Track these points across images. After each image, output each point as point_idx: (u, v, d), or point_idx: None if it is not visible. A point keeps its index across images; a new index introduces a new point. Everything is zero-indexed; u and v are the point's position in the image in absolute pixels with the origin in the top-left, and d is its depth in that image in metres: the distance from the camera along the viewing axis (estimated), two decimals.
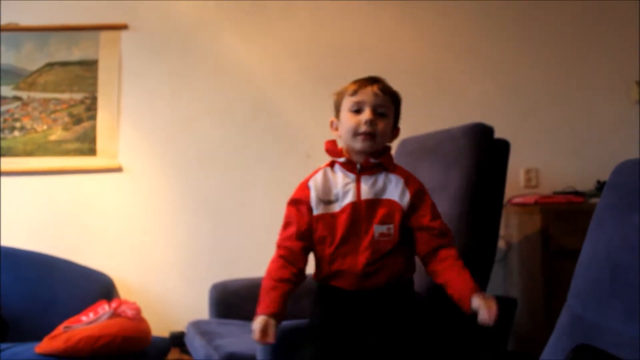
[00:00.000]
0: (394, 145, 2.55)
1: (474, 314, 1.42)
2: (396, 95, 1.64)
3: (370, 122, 1.56)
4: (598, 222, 1.33)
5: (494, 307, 1.40)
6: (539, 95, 3.05)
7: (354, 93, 1.59)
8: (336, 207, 1.57)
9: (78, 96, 3.01)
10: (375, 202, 1.57)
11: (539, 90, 3.06)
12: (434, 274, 1.56)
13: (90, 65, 3.01)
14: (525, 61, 3.07)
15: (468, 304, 1.44)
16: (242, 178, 3.01)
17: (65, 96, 3.00)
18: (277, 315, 1.51)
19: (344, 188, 1.58)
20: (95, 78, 3.01)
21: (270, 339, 1.48)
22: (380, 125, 1.57)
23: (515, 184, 2.94)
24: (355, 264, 1.54)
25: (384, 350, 1.51)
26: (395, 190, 1.58)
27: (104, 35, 3.02)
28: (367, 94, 1.58)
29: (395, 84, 3.04)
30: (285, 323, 1.70)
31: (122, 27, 3.02)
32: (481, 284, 2.03)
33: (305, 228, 1.58)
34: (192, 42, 3.05)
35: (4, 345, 2.36)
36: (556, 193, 2.83)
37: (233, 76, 3.04)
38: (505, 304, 2.07)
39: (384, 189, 1.58)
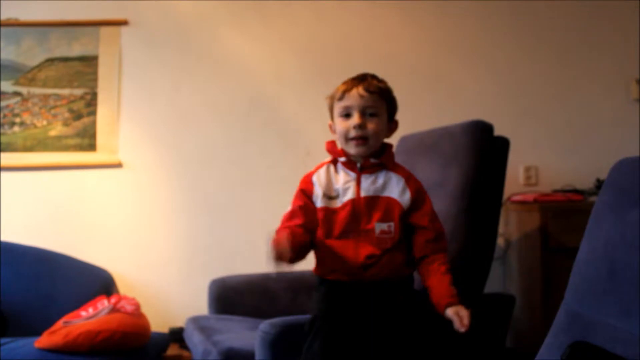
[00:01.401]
0: (394, 141, 2.57)
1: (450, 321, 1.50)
2: (385, 90, 1.63)
3: (360, 127, 1.57)
4: (596, 219, 1.33)
5: (465, 318, 1.47)
6: (539, 93, 3.06)
7: (341, 98, 1.60)
8: (337, 203, 1.60)
9: (78, 92, 3.01)
10: (375, 200, 1.58)
11: (538, 88, 3.06)
12: (422, 276, 1.61)
13: (90, 61, 3.02)
14: (525, 59, 3.07)
15: (443, 311, 1.52)
16: (242, 174, 3.01)
17: (65, 92, 3.01)
18: (291, 241, 1.46)
19: (344, 185, 1.60)
20: (95, 74, 3.01)
21: (285, 259, 1.44)
22: (371, 127, 1.58)
23: (514, 181, 2.94)
24: (356, 258, 1.56)
25: (382, 343, 1.52)
26: (395, 188, 1.60)
27: (104, 31, 3.02)
28: (354, 98, 1.58)
29: (395, 81, 3.04)
30: (284, 319, 1.71)
31: (122, 22, 3.02)
32: (480, 281, 2.04)
33: (309, 218, 1.60)
34: (192, 38, 3.05)
35: (3, 340, 2.37)
36: (555, 191, 2.84)
37: (233, 72, 3.04)
38: (503, 301, 2.08)
39: (384, 186, 1.60)
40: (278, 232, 1.51)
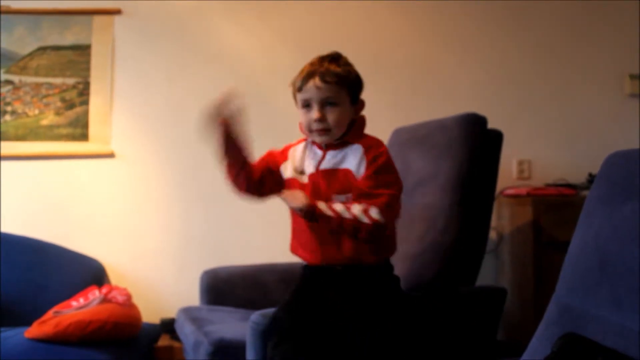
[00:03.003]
0: (387, 133, 2.57)
1: None
2: (343, 76, 1.58)
3: (319, 120, 1.56)
4: (587, 212, 1.33)
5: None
6: (533, 87, 3.06)
7: (300, 89, 1.60)
8: (305, 179, 1.62)
9: (70, 81, 2.99)
10: (332, 172, 1.58)
11: (532, 81, 3.06)
12: None
13: (83, 50, 2.99)
14: (519, 53, 3.07)
15: None
16: None
17: (58, 81, 2.98)
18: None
19: (310, 162, 1.63)
20: (88, 63, 2.99)
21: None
22: (331, 117, 1.57)
23: (507, 175, 2.95)
24: (321, 232, 1.55)
25: (355, 334, 1.51)
26: (353, 160, 1.57)
27: (97, 20, 2.99)
28: (311, 90, 1.57)
29: (388, 74, 3.04)
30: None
31: (116, 11, 3.00)
32: (472, 274, 2.04)
33: (267, 164, 1.68)
34: (186, 28, 3.03)
35: None
36: (548, 185, 2.84)
37: (227, 63, 3.03)
38: (495, 294, 2.09)
39: (343, 159, 1.59)
40: None
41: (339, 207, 1.49)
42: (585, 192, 2.68)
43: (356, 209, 1.48)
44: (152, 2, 3.02)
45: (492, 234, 2.78)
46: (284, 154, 1.70)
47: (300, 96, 1.61)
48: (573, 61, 3.07)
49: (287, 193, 1.52)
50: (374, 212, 1.48)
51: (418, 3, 3.07)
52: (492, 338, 2.02)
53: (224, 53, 3.04)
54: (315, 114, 1.56)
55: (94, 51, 2.99)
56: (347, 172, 1.56)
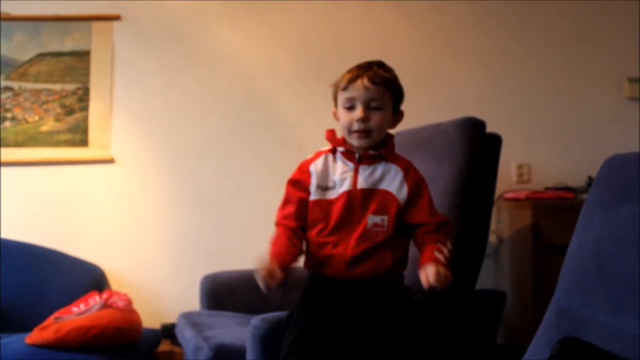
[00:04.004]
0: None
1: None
2: (391, 81, 1.59)
3: (363, 120, 1.54)
4: (586, 216, 1.34)
5: (431, 274, 1.42)
6: (532, 91, 3.06)
7: (346, 88, 1.57)
8: (332, 194, 1.58)
9: (70, 87, 2.99)
10: (370, 192, 1.56)
11: (531, 85, 3.06)
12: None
13: (82, 56, 3.00)
14: (519, 56, 3.07)
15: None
16: (234, 170, 3.01)
17: (57, 87, 2.99)
18: (282, 264, 1.47)
19: (342, 176, 1.58)
20: (87, 69, 3.00)
21: (275, 282, 1.44)
22: (374, 120, 1.55)
23: (507, 179, 2.95)
24: (345, 251, 1.53)
25: (364, 341, 1.50)
26: (393, 182, 1.57)
27: (97, 26, 3.00)
28: (358, 89, 1.55)
29: None
30: (276, 314, 1.70)
31: (115, 17, 3.01)
32: (471, 278, 2.04)
33: (304, 209, 1.59)
34: (185, 34, 3.04)
35: None
36: (547, 189, 2.85)
37: (226, 68, 3.04)
38: (494, 298, 2.09)
39: (381, 179, 1.57)
40: (270, 255, 1.51)
41: (445, 253, 1.51)
42: (584, 195, 2.68)
43: (448, 246, 1.54)
44: (151, 7, 3.03)
45: (492, 238, 2.79)
46: (306, 174, 1.61)
47: (344, 95, 1.57)
48: (572, 64, 3.07)
49: (434, 278, 1.43)
50: (450, 244, 1.56)
51: (418, 7, 3.07)
52: (492, 342, 2.02)
53: (223, 57, 3.04)
54: (359, 112, 1.54)
55: (94, 57, 3.00)
56: (387, 193, 1.56)
